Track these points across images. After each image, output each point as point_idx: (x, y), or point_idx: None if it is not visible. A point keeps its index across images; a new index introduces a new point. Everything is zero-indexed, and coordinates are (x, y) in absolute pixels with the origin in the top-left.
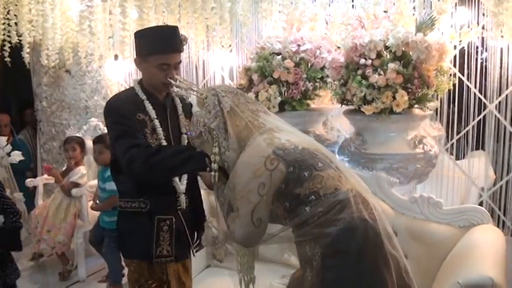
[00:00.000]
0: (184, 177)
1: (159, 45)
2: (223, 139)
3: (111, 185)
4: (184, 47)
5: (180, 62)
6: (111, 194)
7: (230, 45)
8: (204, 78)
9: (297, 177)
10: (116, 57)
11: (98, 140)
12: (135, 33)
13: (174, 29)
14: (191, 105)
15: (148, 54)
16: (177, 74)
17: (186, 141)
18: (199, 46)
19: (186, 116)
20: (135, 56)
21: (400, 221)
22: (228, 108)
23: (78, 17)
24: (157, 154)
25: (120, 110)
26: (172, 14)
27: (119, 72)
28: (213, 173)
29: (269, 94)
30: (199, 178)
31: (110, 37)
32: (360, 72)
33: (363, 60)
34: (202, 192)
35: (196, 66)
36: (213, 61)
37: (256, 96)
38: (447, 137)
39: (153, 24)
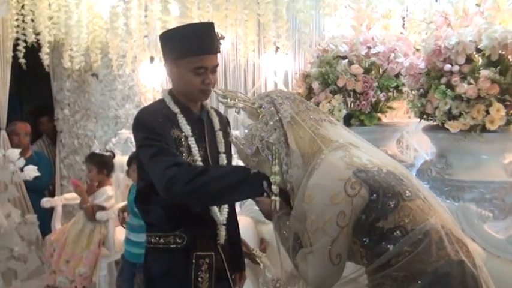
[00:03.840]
0: (225, 206)
1: (192, 45)
2: (285, 154)
3: None
4: (232, 49)
5: (218, 65)
6: None
7: (286, 47)
8: (254, 85)
9: (381, 207)
10: (152, 59)
11: (132, 160)
12: (161, 35)
13: (209, 26)
14: (227, 120)
15: (179, 57)
16: (215, 79)
17: (225, 161)
18: (249, 47)
19: (224, 133)
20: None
21: (494, 265)
22: (288, 117)
23: (108, 14)
24: (205, 174)
25: (153, 125)
26: (218, 10)
27: (155, 77)
28: (273, 198)
29: (332, 106)
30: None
31: (145, 36)
32: (444, 80)
33: (448, 66)
34: (248, 221)
35: (245, 71)
36: (264, 65)
37: None
38: None
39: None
